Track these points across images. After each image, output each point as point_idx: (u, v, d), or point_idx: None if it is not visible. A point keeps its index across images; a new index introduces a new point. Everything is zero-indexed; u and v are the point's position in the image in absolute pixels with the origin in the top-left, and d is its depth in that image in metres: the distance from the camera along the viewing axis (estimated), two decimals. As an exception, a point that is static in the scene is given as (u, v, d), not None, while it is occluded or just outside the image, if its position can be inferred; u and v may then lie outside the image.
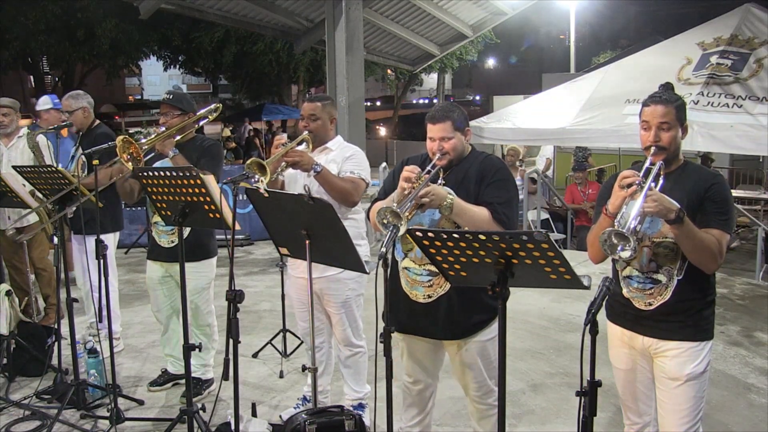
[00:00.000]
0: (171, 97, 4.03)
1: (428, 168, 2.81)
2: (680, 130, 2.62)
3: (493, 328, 2.54)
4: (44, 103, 5.71)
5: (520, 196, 9.02)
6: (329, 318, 3.74)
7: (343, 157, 3.60)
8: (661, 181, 2.53)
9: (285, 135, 3.73)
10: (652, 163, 2.56)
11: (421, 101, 46.17)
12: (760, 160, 11.48)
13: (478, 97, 43.52)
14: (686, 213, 2.45)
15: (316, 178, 3.43)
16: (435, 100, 41.65)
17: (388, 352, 2.55)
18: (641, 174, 2.51)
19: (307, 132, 3.63)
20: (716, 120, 6.19)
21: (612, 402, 3.92)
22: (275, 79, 23.79)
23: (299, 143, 3.59)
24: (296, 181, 3.62)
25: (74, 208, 3.91)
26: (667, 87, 2.73)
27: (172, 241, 4.08)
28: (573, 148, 10.02)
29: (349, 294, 3.62)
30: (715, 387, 4.28)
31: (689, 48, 7.21)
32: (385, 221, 2.51)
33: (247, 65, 22.07)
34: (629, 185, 2.47)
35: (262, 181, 3.16)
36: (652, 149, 2.59)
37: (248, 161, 3.26)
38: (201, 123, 4.16)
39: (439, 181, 2.82)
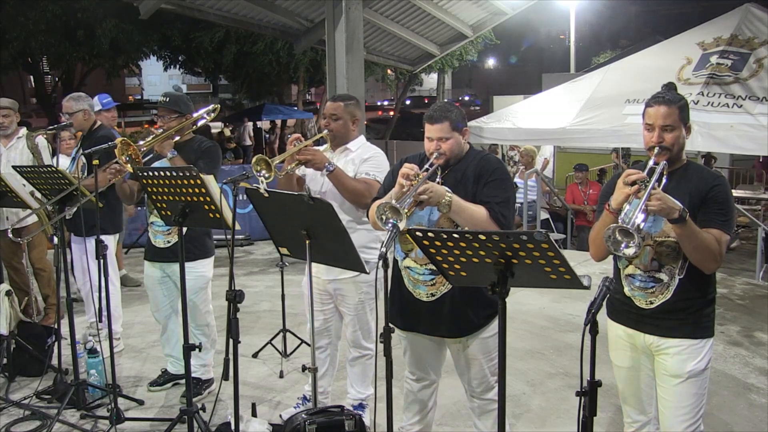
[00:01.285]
0: (168, 100, 4.03)
1: (426, 166, 2.81)
2: (683, 130, 2.62)
3: (496, 325, 2.55)
4: (95, 104, 5.86)
5: (532, 197, 9.02)
6: (341, 318, 3.75)
7: (361, 158, 3.59)
8: (664, 181, 2.53)
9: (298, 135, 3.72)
10: (656, 163, 2.56)
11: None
12: (760, 160, 11.50)
13: (467, 97, 43.23)
14: (688, 213, 2.45)
15: (328, 177, 3.43)
16: (407, 101, 41.22)
17: (388, 352, 2.55)
18: (645, 173, 2.52)
19: (326, 131, 3.63)
20: (716, 120, 6.21)
21: (612, 402, 3.92)
22: (275, 79, 23.77)
23: (316, 142, 3.58)
24: (315, 179, 3.63)
25: (74, 210, 3.92)
26: (670, 87, 2.73)
27: (168, 242, 4.08)
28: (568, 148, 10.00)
29: (363, 297, 3.61)
30: (715, 387, 4.28)
31: (689, 48, 7.24)
32: (384, 217, 2.51)
33: (247, 65, 22.05)
34: (633, 183, 2.47)
35: (262, 180, 3.16)
36: (656, 149, 2.59)
37: (255, 158, 3.26)
38: (199, 123, 4.16)
39: (437, 180, 2.83)
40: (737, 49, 6.87)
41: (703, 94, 6.47)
